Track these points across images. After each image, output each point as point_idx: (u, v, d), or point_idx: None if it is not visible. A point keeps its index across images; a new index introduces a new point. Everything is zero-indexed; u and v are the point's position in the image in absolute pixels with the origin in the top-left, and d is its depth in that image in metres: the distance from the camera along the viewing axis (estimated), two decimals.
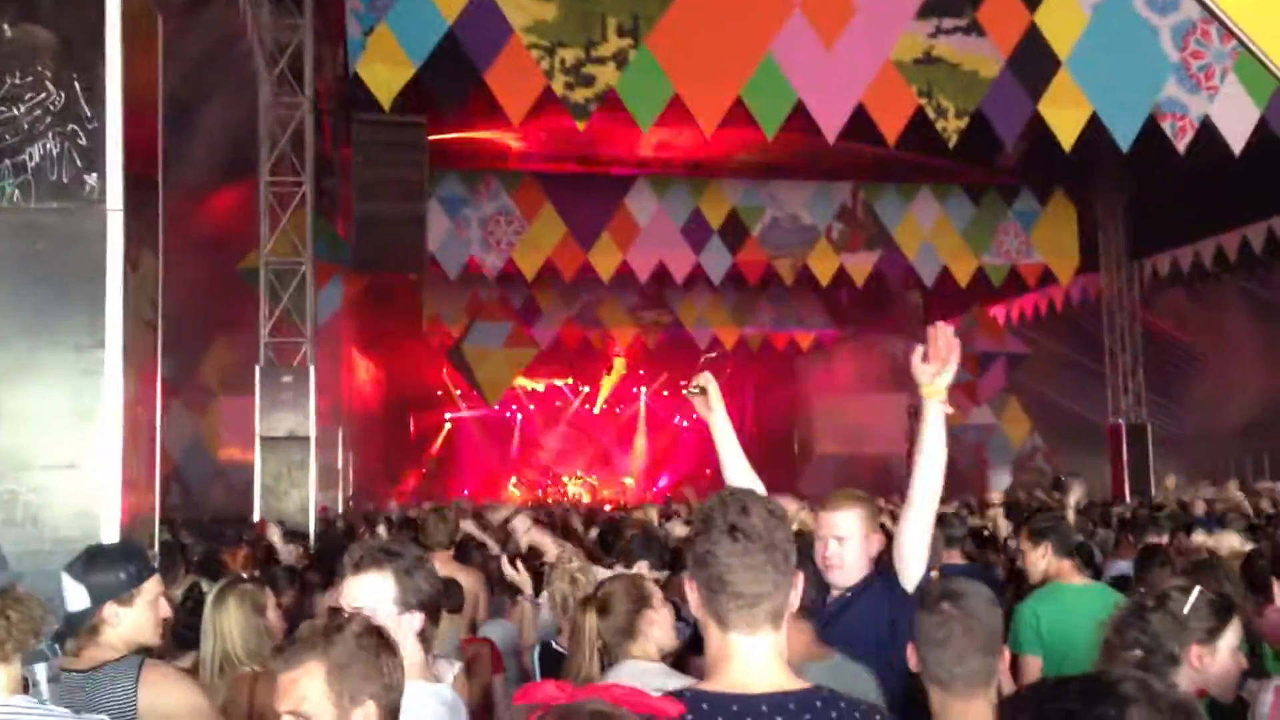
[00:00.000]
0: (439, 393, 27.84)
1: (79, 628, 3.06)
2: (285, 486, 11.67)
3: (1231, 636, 2.84)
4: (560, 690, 1.81)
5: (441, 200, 16.41)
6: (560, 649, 4.16)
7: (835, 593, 3.41)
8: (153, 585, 3.15)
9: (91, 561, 3.12)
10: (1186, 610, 2.81)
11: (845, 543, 3.37)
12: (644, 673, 3.22)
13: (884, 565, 3.38)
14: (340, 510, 15.61)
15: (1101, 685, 1.51)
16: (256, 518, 11.45)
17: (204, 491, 19.23)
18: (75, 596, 3.07)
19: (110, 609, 3.05)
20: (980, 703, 2.53)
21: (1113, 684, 1.50)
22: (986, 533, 8.38)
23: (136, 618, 3.09)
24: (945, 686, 2.54)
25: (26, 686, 2.48)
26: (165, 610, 3.21)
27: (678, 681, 3.04)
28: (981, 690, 2.55)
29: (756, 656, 1.99)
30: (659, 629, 3.45)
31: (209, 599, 3.69)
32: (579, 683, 3.02)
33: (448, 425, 28.33)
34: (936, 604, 2.57)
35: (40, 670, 2.51)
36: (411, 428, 27.50)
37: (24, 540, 3.47)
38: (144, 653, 3.10)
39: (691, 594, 2.06)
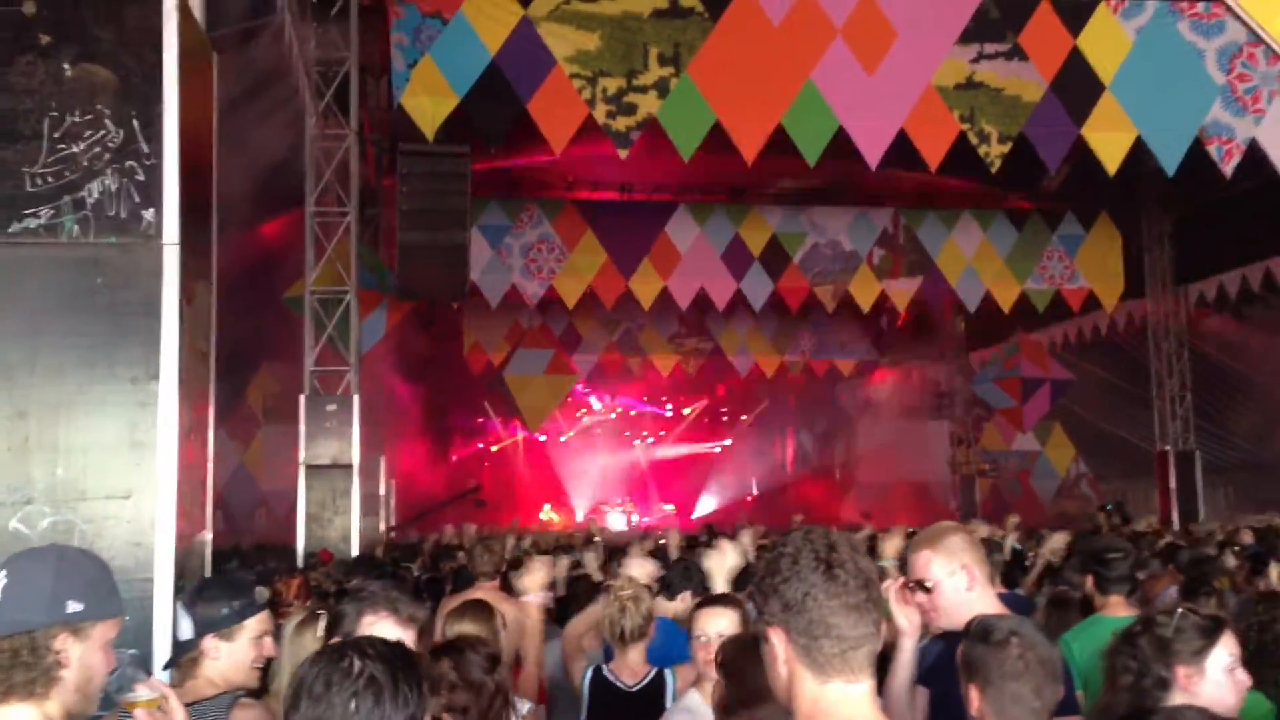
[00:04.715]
0: (480, 420, 27.98)
1: (180, 658, 3.09)
2: (329, 514, 11.73)
3: (1220, 656, 2.80)
4: None
5: (483, 228, 16.52)
6: (609, 675, 4.14)
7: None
8: (256, 623, 3.14)
9: (200, 593, 3.16)
10: (1170, 632, 2.82)
11: (932, 585, 3.10)
12: None
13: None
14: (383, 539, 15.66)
15: (1167, 716, 1.54)
16: (300, 545, 11.52)
17: (246, 519, 19.38)
18: (182, 626, 3.09)
19: (211, 641, 3.07)
20: None
21: (1176, 714, 1.53)
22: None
23: (235, 653, 3.09)
24: None
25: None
26: (269, 648, 3.20)
27: None
28: None
29: (862, 706, 1.82)
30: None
31: (287, 632, 3.63)
32: None
33: (493, 449, 28.45)
34: (1006, 641, 2.53)
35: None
36: (453, 455, 27.66)
37: None
38: (245, 692, 3.10)
39: (780, 644, 1.86)
